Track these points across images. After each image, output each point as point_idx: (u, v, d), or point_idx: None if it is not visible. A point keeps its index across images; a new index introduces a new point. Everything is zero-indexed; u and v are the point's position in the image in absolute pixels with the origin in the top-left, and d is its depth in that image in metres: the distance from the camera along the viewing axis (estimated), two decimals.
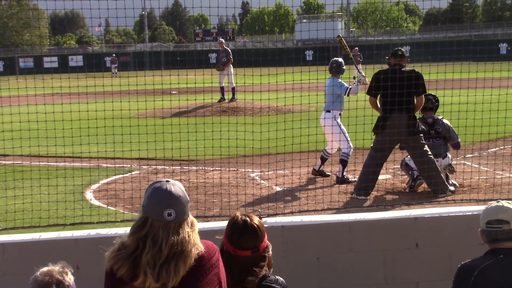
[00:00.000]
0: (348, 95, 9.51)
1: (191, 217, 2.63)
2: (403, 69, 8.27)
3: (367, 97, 8.50)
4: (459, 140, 8.86)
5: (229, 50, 20.64)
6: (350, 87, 9.65)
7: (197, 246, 2.58)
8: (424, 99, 8.43)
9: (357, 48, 28.87)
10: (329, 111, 9.66)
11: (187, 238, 2.53)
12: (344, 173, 9.47)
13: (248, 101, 16.25)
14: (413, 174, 8.76)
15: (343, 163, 9.47)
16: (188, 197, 2.62)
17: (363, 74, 9.79)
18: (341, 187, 8.99)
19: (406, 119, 8.17)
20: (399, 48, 8.51)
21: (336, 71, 9.75)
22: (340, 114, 9.75)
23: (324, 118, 9.72)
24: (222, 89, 20.74)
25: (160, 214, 2.52)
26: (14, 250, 4.89)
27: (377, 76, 8.38)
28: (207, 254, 2.63)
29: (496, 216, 3.17)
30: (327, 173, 9.89)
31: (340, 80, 9.76)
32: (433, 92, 8.72)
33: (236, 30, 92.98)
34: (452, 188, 8.44)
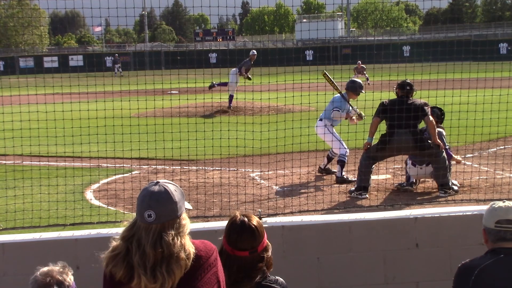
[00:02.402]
0: (333, 111, 9.61)
1: (182, 218, 2.57)
2: (409, 100, 8.35)
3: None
4: (449, 149, 8.78)
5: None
6: (341, 108, 9.71)
7: (186, 249, 2.52)
8: (431, 118, 8.36)
9: (359, 61, 28.90)
10: (321, 120, 9.92)
11: (170, 240, 2.48)
12: (344, 173, 9.50)
13: (248, 101, 16.23)
14: (409, 176, 8.80)
15: (341, 163, 9.57)
16: (176, 198, 2.55)
17: (357, 111, 9.85)
18: (341, 187, 8.99)
19: (411, 134, 8.23)
20: (408, 81, 8.50)
21: (352, 88, 9.81)
22: (331, 125, 9.85)
23: (317, 126, 9.97)
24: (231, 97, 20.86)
25: (141, 215, 2.53)
26: (14, 250, 4.88)
27: (383, 107, 8.45)
28: (205, 253, 2.62)
29: (507, 216, 3.19)
30: (333, 170, 9.95)
31: (343, 99, 9.79)
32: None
33: (236, 30, 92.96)
34: (455, 187, 8.46)
